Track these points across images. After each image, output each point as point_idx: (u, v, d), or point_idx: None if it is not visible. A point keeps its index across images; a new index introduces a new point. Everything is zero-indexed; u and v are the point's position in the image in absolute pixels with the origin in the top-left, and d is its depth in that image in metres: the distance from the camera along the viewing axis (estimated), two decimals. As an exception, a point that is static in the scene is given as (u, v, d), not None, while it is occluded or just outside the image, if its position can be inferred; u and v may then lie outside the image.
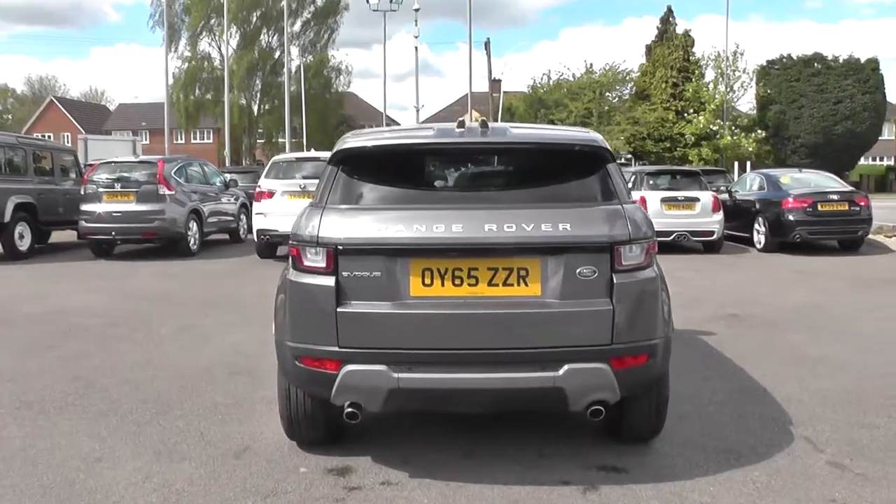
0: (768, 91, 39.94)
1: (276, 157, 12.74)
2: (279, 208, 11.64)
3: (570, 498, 3.42)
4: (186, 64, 38.85)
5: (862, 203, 12.42)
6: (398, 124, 53.61)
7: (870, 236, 13.32)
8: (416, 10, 28.41)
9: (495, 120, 33.58)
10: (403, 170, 3.64)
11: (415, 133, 4.03)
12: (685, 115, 43.53)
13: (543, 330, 3.33)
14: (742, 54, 39.62)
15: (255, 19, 38.67)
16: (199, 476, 3.64)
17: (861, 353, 6.03)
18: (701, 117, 41.68)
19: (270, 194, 11.78)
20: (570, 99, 46.65)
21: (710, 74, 44.49)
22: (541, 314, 3.32)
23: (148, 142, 44.71)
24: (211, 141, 56.23)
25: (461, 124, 3.53)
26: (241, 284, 9.66)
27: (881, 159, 51.64)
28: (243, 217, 15.03)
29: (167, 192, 11.84)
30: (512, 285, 3.32)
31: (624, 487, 3.54)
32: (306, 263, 3.39)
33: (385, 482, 3.55)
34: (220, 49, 43.13)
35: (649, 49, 49.41)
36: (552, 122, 46.54)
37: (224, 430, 4.24)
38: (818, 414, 4.52)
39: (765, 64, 41.05)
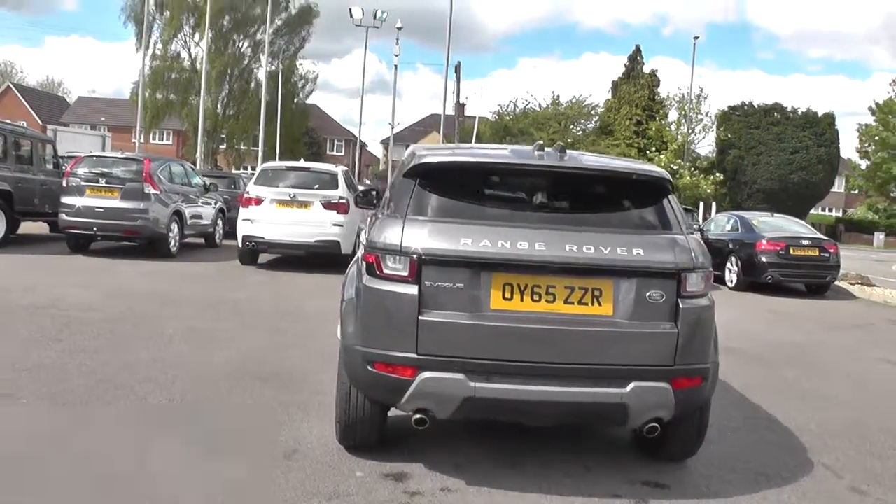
0: (728, 136, 41.35)
1: (265, 165, 12.70)
2: (267, 216, 11.62)
3: (624, 511, 3.55)
4: (156, 63, 38.32)
5: (831, 250, 12.97)
6: (358, 139, 54.21)
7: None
8: (399, 28, 28.71)
9: (461, 142, 33.92)
10: (481, 187, 3.76)
11: (495, 153, 4.15)
12: (647, 152, 44.65)
13: (613, 348, 3.47)
14: (706, 98, 40.96)
15: (227, 24, 38.44)
16: (254, 476, 3.64)
17: (853, 390, 6.34)
18: (662, 156, 42.78)
19: (259, 201, 11.74)
20: (536, 128, 47.50)
21: (672, 115, 45.86)
22: (612, 333, 3.47)
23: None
24: (170, 142, 55.38)
25: (541, 147, 3.67)
26: (231, 289, 9.56)
27: (831, 210, 53.77)
28: (219, 222, 14.88)
29: (153, 190, 11.66)
30: (586, 304, 3.46)
31: (670, 503, 3.68)
32: (386, 271, 3.46)
33: (444, 488, 3.61)
34: (190, 51, 42.80)
35: (615, 85, 50.72)
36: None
37: (265, 433, 4.23)
38: (829, 444, 4.75)
39: (726, 109, 42.50)
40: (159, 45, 39.74)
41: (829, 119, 38.37)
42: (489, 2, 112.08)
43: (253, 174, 20.41)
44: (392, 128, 31.63)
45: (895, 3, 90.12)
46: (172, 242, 12.26)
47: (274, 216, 11.63)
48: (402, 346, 3.39)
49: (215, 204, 14.59)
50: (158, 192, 11.77)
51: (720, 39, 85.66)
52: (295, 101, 39.42)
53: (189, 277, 10.43)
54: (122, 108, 52.91)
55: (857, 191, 48.59)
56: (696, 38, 39.26)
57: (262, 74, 43.08)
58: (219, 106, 39.24)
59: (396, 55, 29.04)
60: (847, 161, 42.11)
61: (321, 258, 12.21)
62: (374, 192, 6.06)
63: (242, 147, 44.76)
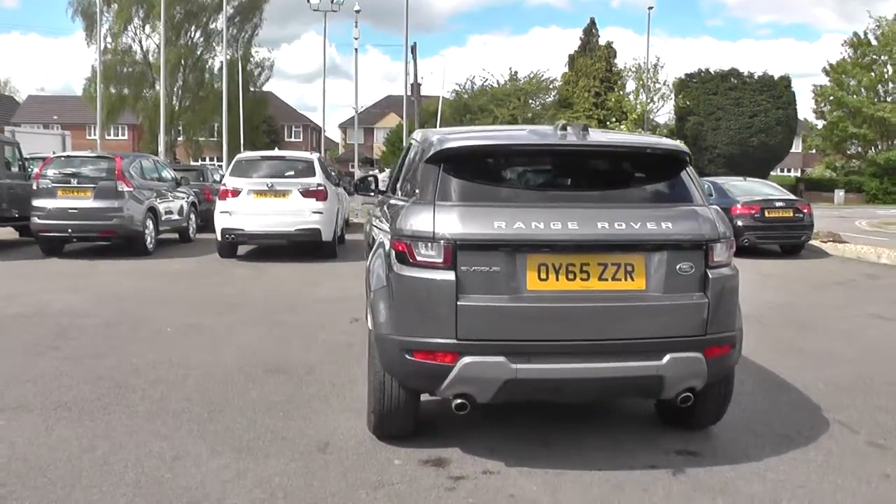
0: (687, 103, 41.75)
1: (240, 156, 12.50)
2: (245, 207, 11.46)
3: (665, 480, 3.60)
4: (108, 57, 37.32)
5: (805, 210, 13.23)
6: (318, 126, 53.62)
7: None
8: (357, 11, 28.24)
9: (421, 124, 33.77)
10: (506, 169, 3.75)
11: (518, 134, 4.13)
12: (607, 123, 44.93)
13: (648, 321, 3.51)
14: (662, 67, 41.34)
15: (179, 14, 37.57)
16: (293, 471, 3.61)
17: (850, 347, 6.49)
18: (623, 126, 43.11)
19: (236, 193, 11.56)
20: (496, 105, 47.50)
21: (630, 85, 46.18)
22: (646, 307, 3.50)
23: (62, 137, 42.69)
24: (126, 137, 54.04)
25: (563, 127, 3.66)
26: (218, 284, 9.43)
27: (790, 170, 54.85)
28: (192, 216, 14.63)
29: (126, 188, 11.41)
30: (620, 280, 3.48)
31: (706, 469, 3.74)
32: (419, 258, 3.43)
33: (486, 471, 3.62)
34: (141, 43, 41.74)
35: (572, 59, 50.90)
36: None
37: (292, 427, 4.20)
38: (839, 401, 4.86)
39: (683, 77, 42.86)
40: (109, 39, 38.74)
41: (786, 82, 38.98)
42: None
43: (219, 166, 20.20)
44: (356, 112, 31.23)
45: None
46: (149, 240, 12.04)
47: (252, 207, 11.47)
48: (441, 333, 3.38)
49: (187, 198, 14.33)
50: (132, 190, 11.52)
51: (669, 8, 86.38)
52: (252, 89, 38.77)
53: (173, 275, 10.26)
54: (73, 105, 51.48)
55: (814, 150, 49.57)
56: (651, 8, 39.18)
57: (216, 64, 42.41)
58: (174, 98, 38.43)
59: (356, 38, 28.59)
60: (804, 122, 42.93)
61: (299, 247, 12.11)
62: (371, 179, 6.02)
63: (201, 139, 43.95)
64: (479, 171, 3.66)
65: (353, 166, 42.30)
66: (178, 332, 6.54)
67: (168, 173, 13.86)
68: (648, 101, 43.64)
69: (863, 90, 35.53)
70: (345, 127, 66.29)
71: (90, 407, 4.52)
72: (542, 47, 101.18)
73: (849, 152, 42.97)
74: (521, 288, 3.40)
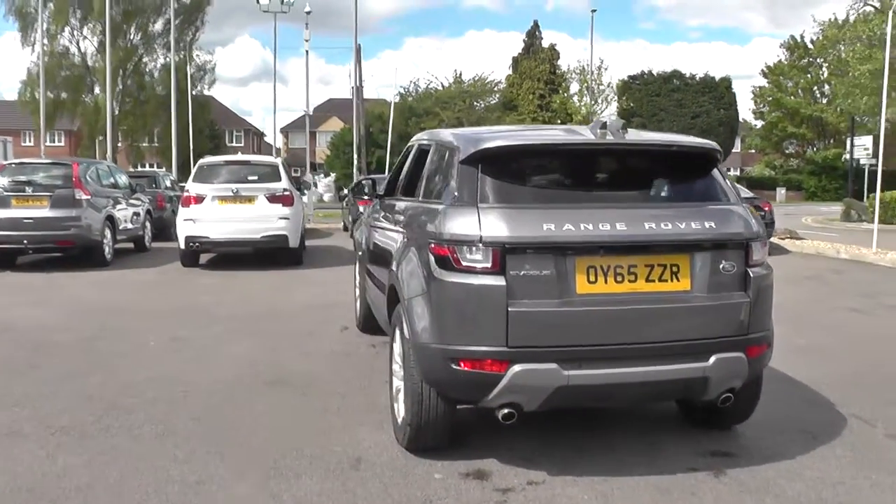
0: (631, 104, 42.45)
1: (202, 161, 12.09)
2: (210, 214, 11.10)
3: (709, 482, 3.56)
4: (45, 59, 35.85)
5: (766, 208, 13.50)
6: (261, 132, 52.61)
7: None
8: (308, 12, 27.81)
9: (367, 128, 33.49)
10: (547, 169, 3.65)
11: (555, 134, 4.03)
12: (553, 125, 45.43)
13: (694, 322, 3.45)
14: (606, 69, 41.90)
15: (118, 16, 36.28)
16: (331, 490, 3.43)
17: (840, 342, 6.62)
18: (567, 128, 43.52)
19: (199, 199, 11.18)
20: (441, 108, 47.48)
21: (574, 87, 46.73)
22: (692, 308, 3.45)
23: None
24: (63, 144, 52.03)
25: (603, 125, 3.58)
26: (191, 294, 9.08)
27: (730, 170, 56.40)
28: (148, 224, 14.13)
29: (84, 196, 10.90)
30: (666, 281, 3.42)
31: (746, 470, 3.71)
32: (465, 264, 3.29)
33: (531, 482, 3.51)
34: (79, 45, 40.23)
35: (515, 61, 51.27)
36: (422, 131, 47.30)
37: (315, 443, 4.00)
38: (848, 395, 4.91)
39: (626, 79, 43.61)
40: (45, 41, 37.25)
41: (727, 83, 40.07)
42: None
43: (167, 174, 19.58)
44: (307, 116, 30.86)
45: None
46: (107, 250, 11.55)
47: (217, 214, 11.12)
48: (491, 340, 3.25)
49: (143, 205, 13.82)
50: (89, 198, 11.02)
51: (604, 12, 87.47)
52: (193, 93, 37.78)
53: (139, 285, 9.84)
54: (5, 111, 49.32)
55: (753, 150, 51.00)
56: (594, 10, 40.00)
57: (157, 67, 41.13)
58: (116, 103, 37.18)
59: (307, 40, 28.24)
60: (743, 122, 44.20)
61: (263, 254, 11.85)
62: (370, 182, 5.87)
63: (143, 144, 42.60)
64: (519, 171, 3.54)
65: (297, 171, 41.65)
66: (163, 346, 6.24)
67: (123, 180, 13.33)
68: (593, 102, 44.23)
69: (800, 91, 36.82)
70: (286, 131, 65.28)
71: (90, 430, 4.23)
72: (477, 50, 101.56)
73: (787, 151, 44.35)
74: (570, 291, 3.30)
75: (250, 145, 64.30)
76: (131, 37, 39.11)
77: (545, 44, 50.44)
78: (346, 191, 25.03)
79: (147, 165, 42.18)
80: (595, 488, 3.46)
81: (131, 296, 8.94)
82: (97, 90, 39.20)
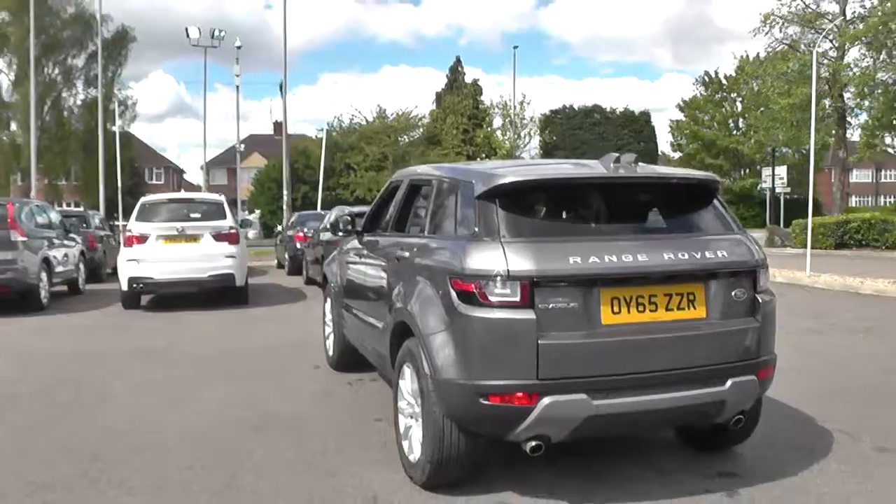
0: (553, 138, 43.49)
1: (144, 199, 11.70)
2: (154, 254, 10.74)
3: (727, 502, 3.63)
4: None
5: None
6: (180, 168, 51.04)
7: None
8: (238, 47, 27.49)
9: (291, 163, 33.11)
10: (562, 203, 3.71)
11: (569, 168, 4.08)
12: (477, 159, 46.03)
13: (711, 348, 3.55)
14: (529, 103, 42.85)
15: (36, 50, 34.91)
16: (357, 533, 3.34)
17: (806, 361, 6.85)
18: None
19: (142, 239, 10.81)
20: (366, 143, 47.54)
21: (497, 122, 47.58)
22: (709, 334, 3.55)
23: None
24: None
25: (617, 159, 3.67)
26: (143, 337, 8.69)
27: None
28: (82, 266, 13.53)
29: (20, 237, 10.36)
30: (684, 309, 3.52)
31: (755, 489, 3.81)
32: (493, 298, 3.29)
33: (557, 513, 3.50)
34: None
35: (439, 96, 51.92)
36: (348, 166, 47.33)
37: (325, 486, 3.88)
38: (829, 411, 5.11)
39: (549, 113, 44.70)
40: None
41: (646, 117, 41.70)
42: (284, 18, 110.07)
43: (96, 213, 18.84)
44: (238, 152, 30.28)
45: (674, 9, 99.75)
46: (43, 293, 10.97)
47: (161, 254, 10.76)
48: (521, 374, 3.25)
49: (76, 246, 13.24)
50: (26, 240, 10.49)
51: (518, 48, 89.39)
52: (114, 129, 36.53)
53: (83, 330, 9.38)
54: None
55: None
56: (516, 47, 40.98)
57: (77, 103, 39.66)
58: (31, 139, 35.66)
59: (237, 75, 27.89)
60: (662, 154, 45.99)
61: (206, 294, 11.54)
62: (348, 218, 5.81)
63: (62, 182, 40.85)
64: (535, 206, 3.60)
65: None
66: (131, 393, 5.95)
67: (57, 220, 12.76)
68: (516, 136, 45.11)
69: (715, 124, 38.68)
70: (207, 167, 64.04)
71: (76, 485, 3.97)
72: (393, 85, 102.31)
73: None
74: (596, 323, 3.35)
75: (170, 182, 62.61)
76: (49, 71, 37.72)
77: (468, 79, 51.32)
78: (279, 228, 24.64)
79: (65, 204, 40.51)
80: (623, 515, 3.48)
81: (79, 342, 8.51)
82: (13, 126, 37.59)
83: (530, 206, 3.57)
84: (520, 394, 3.26)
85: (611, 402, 3.32)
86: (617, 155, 3.71)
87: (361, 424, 4.96)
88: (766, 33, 29.76)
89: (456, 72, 52.77)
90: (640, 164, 3.77)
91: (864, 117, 28.29)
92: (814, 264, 14.17)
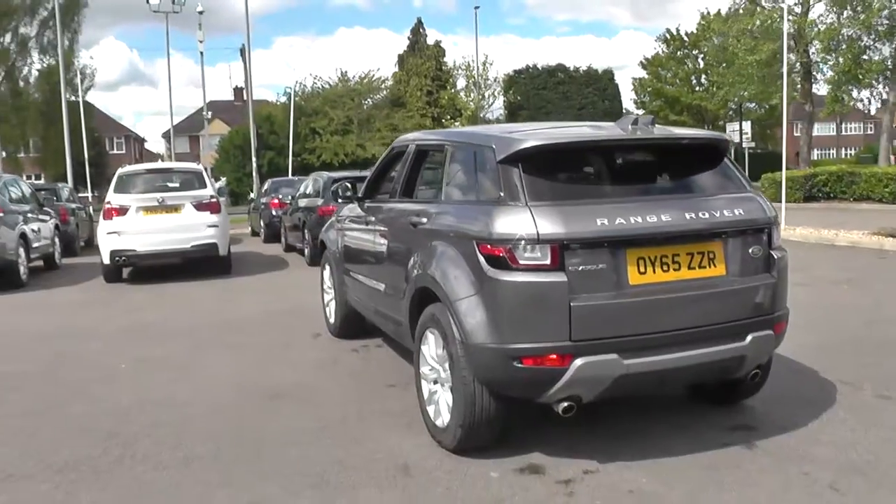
0: (517, 98, 43.28)
1: (121, 170, 11.46)
2: (135, 226, 10.58)
3: (747, 454, 3.78)
4: None
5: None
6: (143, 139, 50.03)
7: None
8: (200, 12, 26.71)
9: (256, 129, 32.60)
10: (584, 166, 3.74)
11: (590, 131, 4.09)
12: (442, 121, 45.71)
13: (732, 305, 3.64)
14: (492, 64, 42.59)
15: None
16: (395, 499, 3.40)
17: (801, 315, 6.74)
18: (457, 123, 43.96)
19: (122, 211, 10.63)
20: (330, 107, 46.90)
21: (461, 83, 47.23)
22: (729, 291, 3.64)
23: None
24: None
25: (635, 121, 3.70)
26: (133, 311, 8.59)
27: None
28: (57, 240, 13.26)
29: (-3, 213, 10.13)
30: (705, 267, 3.59)
31: (771, 441, 3.94)
32: (523, 262, 3.33)
33: (587, 471, 3.59)
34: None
35: (401, 58, 51.24)
36: (313, 131, 46.73)
37: (353, 454, 3.92)
38: (829, 362, 5.28)
39: (512, 73, 44.43)
40: None
41: (609, 75, 41.71)
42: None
43: (64, 186, 18.38)
44: (205, 119, 29.63)
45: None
46: (22, 269, 10.75)
47: (143, 225, 10.59)
48: (554, 336, 3.31)
49: (51, 220, 12.96)
50: (2, 215, 10.23)
51: (470, 8, 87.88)
52: (73, 98, 35.41)
53: (69, 306, 9.23)
54: None
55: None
56: (477, 7, 40.79)
57: (33, 73, 38.35)
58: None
59: (201, 41, 27.14)
60: (626, 112, 46.10)
61: (188, 264, 11.44)
62: (345, 185, 5.78)
63: (21, 155, 39.62)
64: (558, 169, 3.61)
65: (215, 177, 39.75)
66: (135, 368, 5.91)
67: (29, 193, 12.44)
68: (480, 97, 44.86)
69: (678, 81, 38.89)
70: (167, 136, 62.73)
71: (101, 464, 3.94)
72: (349, 47, 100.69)
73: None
74: (624, 283, 3.41)
75: (132, 151, 61.30)
76: (3, 39, 36.34)
77: (430, 41, 50.70)
78: (252, 195, 24.32)
79: (25, 177, 39.34)
80: (649, 471, 3.58)
81: (67, 318, 8.38)
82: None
83: (552, 170, 3.59)
84: (553, 356, 3.32)
85: (640, 360, 3.39)
86: (635, 116, 3.75)
87: (376, 391, 5.00)
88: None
89: (418, 33, 52.02)
90: (656, 125, 3.81)
91: (829, 72, 28.70)
92: (787, 217, 14.47)
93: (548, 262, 3.31)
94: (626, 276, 3.42)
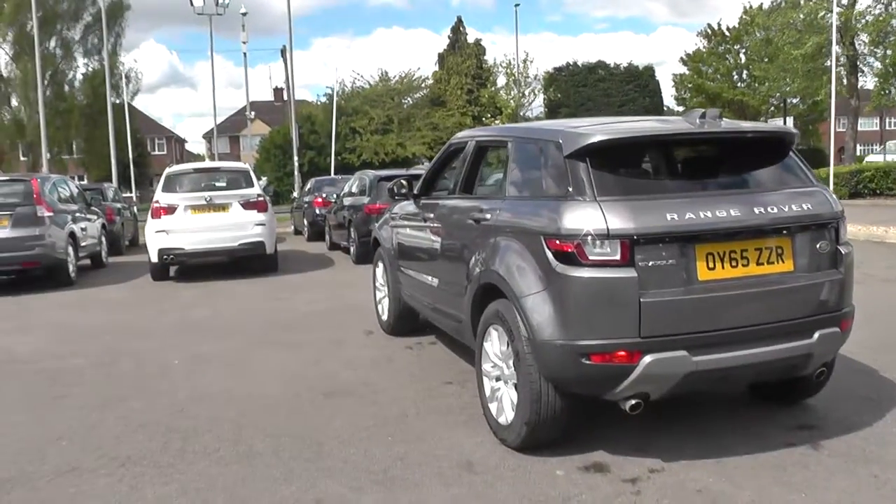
0: (558, 96, 42.93)
1: (170, 170, 11.66)
2: (183, 224, 10.73)
3: (813, 455, 3.70)
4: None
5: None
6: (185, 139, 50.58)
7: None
8: (244, 13, 27.05)
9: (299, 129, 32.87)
10: (652, 160, 3.69)
11: (656, 125, 4.05)
12: (483, 119, 45.59)
13: (800, 301, 3.57)
14: (532, 62, 42.28)
15: (30, 23, 34.39)
16: (462, 496, 3.40)
17: (857, 313, 6.74)
18: (497, 121, 43.79)
19: (171, 210, 10.79)
20: (370, 106, 47.13)
21: (501, 81, 47.06)
22: (797, 287, 3.57)
23: None
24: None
25: (703, 115, 3.63)
26: (184, 308, 8.73)
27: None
28: (103, 239, 13.54)
29: (47, 213, 10.32)
30: (773, 263, 3.53)
31: (837, 441, 3.86)
32: (592, 258, 3.29)
33: (653, 470, 3.56)
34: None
35: (441, 57, 51.27)
36: (353, 130, 46.99)
37: (415, 450, 3.92)
38: (880, 361, 5.16)
39: (552, 71, 44.12)
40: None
41: (650, 71, 41.15)
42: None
43: (109, 186, 18.76)
44: (248, 119, 30.02)
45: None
46: (71, 268, 10.98)
47: (191, 224, 10.75)
48: (624, 332, 3.27)
49: (98, 220, 13.23)
50: (52, 215, 10.46)
51: (508, 6, 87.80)
52: (117, 101, 36.13)
53: (119, 304, 9.41)
54: None
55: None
56: (517, 4, 40.28)
57: (77, 76, 39.20)
58: (36, 113, 35.25)
59: (244, 42, 27.48)
60: (667, 109, 45.56)
61: (235, 262, 11.65)
62: (401, 182, 5.79)
63: (65, 156, 40.57)
64: (626, 164, 3.58)
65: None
66: (189, 365, 5.99)
67: (77, 194, 12.72)
68: (520, 95, 44.64)
69: (719, 77, 38.21)
70: (209, 137, 63.67)
71: (162, 458, 4.00)
72: (387, 47, 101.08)
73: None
74: (693, 279, 3.36)
75: (173, 152, 62.37)
76: (48, 45, 37.20)
77: (470, 39, 50.66)
78: (295, 194, 24.53)
79: (82, 178, 40.27)
80: (715, 470, 3.53)
81: (118, 314, 8.54)
82: (13, 102, 37.20)
83: (620, 164, 3.55)
84: (622, 352, 3.28)
85: (709, 357, 3.34)
86: (703, 111, 3.68)
87: (433, 388, 5.00)
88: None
89: (458, 32, 52.05)
90: (724, 119, 3.74)
91: (877, 65, 27.96)
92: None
93: (618, 257, 3.27)
94: (695, 272, 3.36)
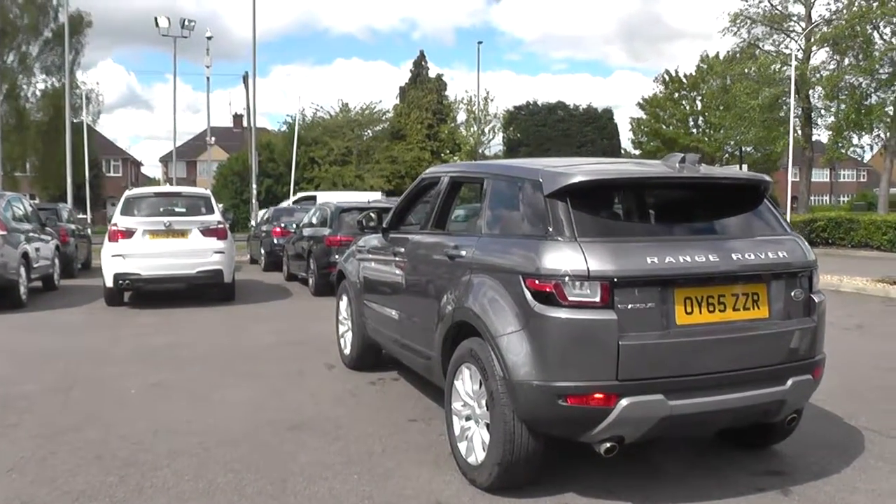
0: (517, 134, 43.56)
1: (129, 192, 11.40)
2: (141, 249, 10.49)
3: (784, 501, 3.71)
4: None
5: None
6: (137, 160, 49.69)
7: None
8: (209, 37, 26.85)
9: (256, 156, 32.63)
10: (630, 202, 3.71)
11: (636, 168, 4.07)
12: (441, 155, 45.92)
13: (774, 348, 3.61)
14: (492, 100, 42.83)
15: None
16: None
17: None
18: (456, 158, 44.12)
19: (128, 234, 10.54)
20: (330, 137, 47.11)
21: (461, 117, 47.54)
22: (772, 334, 3.61)
23: None
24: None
25: (682, 160, 3.69)
26: (142, 335, 8.47)
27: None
28: (56, 261, 13.14)
29: (0, 231, 10.03)
30: (749, 309, 3.56)
31: (807, 486, 3.88)
32: (572, 298, 3.28)
33: (628, 513, 3.52)
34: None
35: (403, 91, 51.64)
36: (312, 160, 46.87)
37: (383, 490, 3.82)
38: (850, 408, 5.24)
39: (512, 109, 44.78)
40: None
41: (609, 114, 42.14)
42: (234, 9, 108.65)
43: (64, 206, 18.29)
44: (209, 144, 29.61)
45: (626, 9, 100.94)
46: (22, 289, 10.63)
47: (148, 249, 10.51)
48: (602, 375, 3.25)
49: (52, 241, 12.86)
50: (5, 234, 10.14)
51: (469, 43, 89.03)
52: (75, 120, 35.40)
53: (73, 328, 9.10)
54: None
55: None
56: (480, 42, 41.07)
57: (35, 92, 38.41)
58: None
59: (208, 66, 27.20)
60: (624, 152, 46.53)
61: (189, 290, 11.43)
62: (369, 216, 5.75)
63: (17, 174, 39.47)
64: (604, 204, 3.61)
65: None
66: (147, 394, 5.79)
67: (32, 213, 12.36)
68: (479, 132, 45.12)
69: (676, 122, 39.28)
70: (165, 160, 62.75)
71: (118, 493, 3.81)
72: (346, 78, 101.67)
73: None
74: (671, 323, 3.37)
75: (128, 174, 61.26)
76: (6, 58, 36.39)
77: (431, 74, 51.15)
78: (252, 222, 24.25)
79: (37, 199, 39.18)
80: (689, 515, 3.52)
81: (71, 340, 8.24)
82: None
83: (600, 205, 3.57)
84: (599, 395, 3.26)
85: (685, 402, 3.34)
86: (682, 155, 3.73)
87: (398, 425, 4.91)
88: (736, 33, 30.40)
89: (420, 66, 52.57)
90: (702, 164, 3.81)
91: (831, 119, 29.02)
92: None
93: (597, 299, 3.27)
94: (673, 316, 3.38)
